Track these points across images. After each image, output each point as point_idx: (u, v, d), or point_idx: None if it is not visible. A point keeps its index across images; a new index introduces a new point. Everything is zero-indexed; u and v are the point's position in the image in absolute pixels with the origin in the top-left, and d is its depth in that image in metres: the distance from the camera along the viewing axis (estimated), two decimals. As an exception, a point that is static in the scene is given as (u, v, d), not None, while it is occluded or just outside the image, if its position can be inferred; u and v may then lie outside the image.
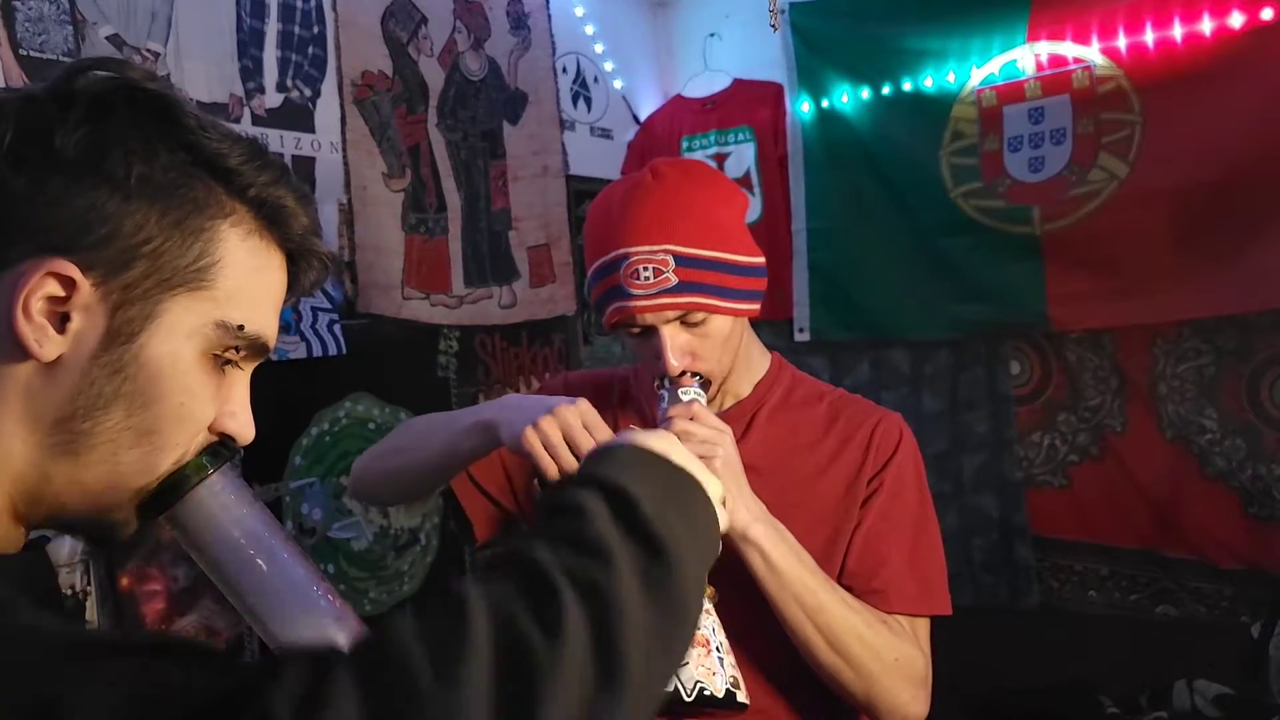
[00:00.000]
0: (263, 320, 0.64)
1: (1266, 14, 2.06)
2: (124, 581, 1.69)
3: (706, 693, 0.89)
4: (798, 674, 1.07)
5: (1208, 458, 2.32)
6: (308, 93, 2.11)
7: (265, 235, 0.64)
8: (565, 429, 0.98)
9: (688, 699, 0.89)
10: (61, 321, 0.56)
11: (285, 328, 2.00)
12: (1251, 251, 2.13)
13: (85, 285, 0.56)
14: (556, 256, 2.73)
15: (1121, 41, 2.26)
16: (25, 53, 1.62)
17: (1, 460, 0.57)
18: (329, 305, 2.10)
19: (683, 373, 1.08)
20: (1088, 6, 2.30)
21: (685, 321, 1.08)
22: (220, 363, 0.62)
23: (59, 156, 0.56)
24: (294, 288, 0.68)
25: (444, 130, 2.43)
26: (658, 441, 0.67)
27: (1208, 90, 2.16)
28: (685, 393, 1.07)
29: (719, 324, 1.09)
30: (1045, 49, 2.37)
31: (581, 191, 2.85)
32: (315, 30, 2.13)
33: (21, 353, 0.55)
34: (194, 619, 1.77)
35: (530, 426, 0.98)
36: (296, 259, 0.67)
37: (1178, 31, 2.18)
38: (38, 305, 0.55)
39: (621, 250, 1.06)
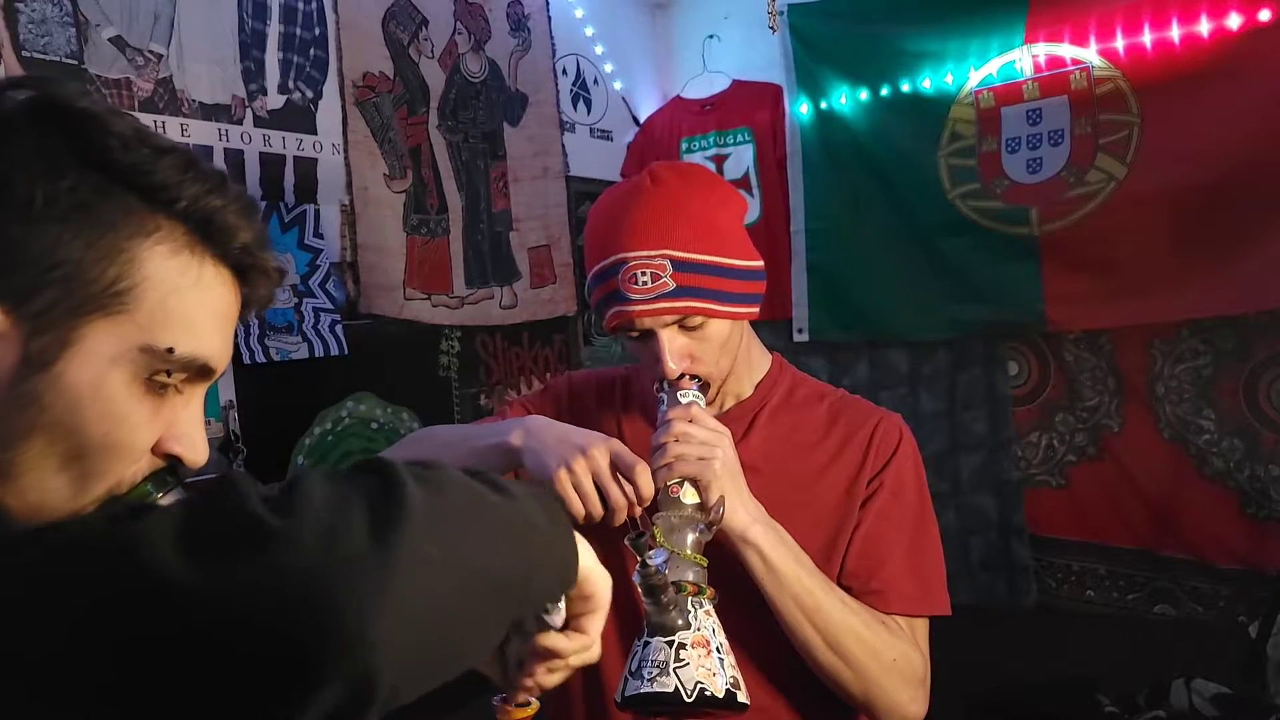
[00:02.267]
0: (198, 341, 0.60)
1: (1264, 15, 2.07)
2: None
3: (707, 693, 0.90)
4: (797, 674, 1.07)
5: (1205, 458, 2.32)
6: (309, 94, 2.12)
7: (199, 250, 0.60)
8: (596, 473, 0.99)
9: (688, 699, 0.89)
10: None
11: (288, 328, 2.01)
12: (1249, 252, 2.13)
13: None
14: (557, 257, 2.74)
15: (1119, 43, 2.26)
16: (28, 54, 1.63)
17: None
18: (331, 306, 2.11)
19: (682, 375, 1.09)
20: (1086, 8, 2.30)
21: (683, 325, 1.08)
22: (156, 387, 0.59)
23: None
24: (246, 302, 0.65)
25: (445, 131, 2.44)
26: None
27: (1205, 91, 2.17)
28: (684, 395, 1.07)
29: (717, 328, 1.10)
30: (1043, 50, 2.38)
31: (582, 193, 2.86)
32: (317, 32, 2.14)
33: None
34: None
35: (564, 468, 0.99)
36: (242, 273, 0.64)
37: (1175, 33, 2.19)
38: None
39: (619, 255, 1.07)
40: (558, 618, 0.74)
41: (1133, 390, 2.42)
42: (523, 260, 2.64)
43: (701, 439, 1.02)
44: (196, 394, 0.63)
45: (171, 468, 0.63)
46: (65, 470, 0.57)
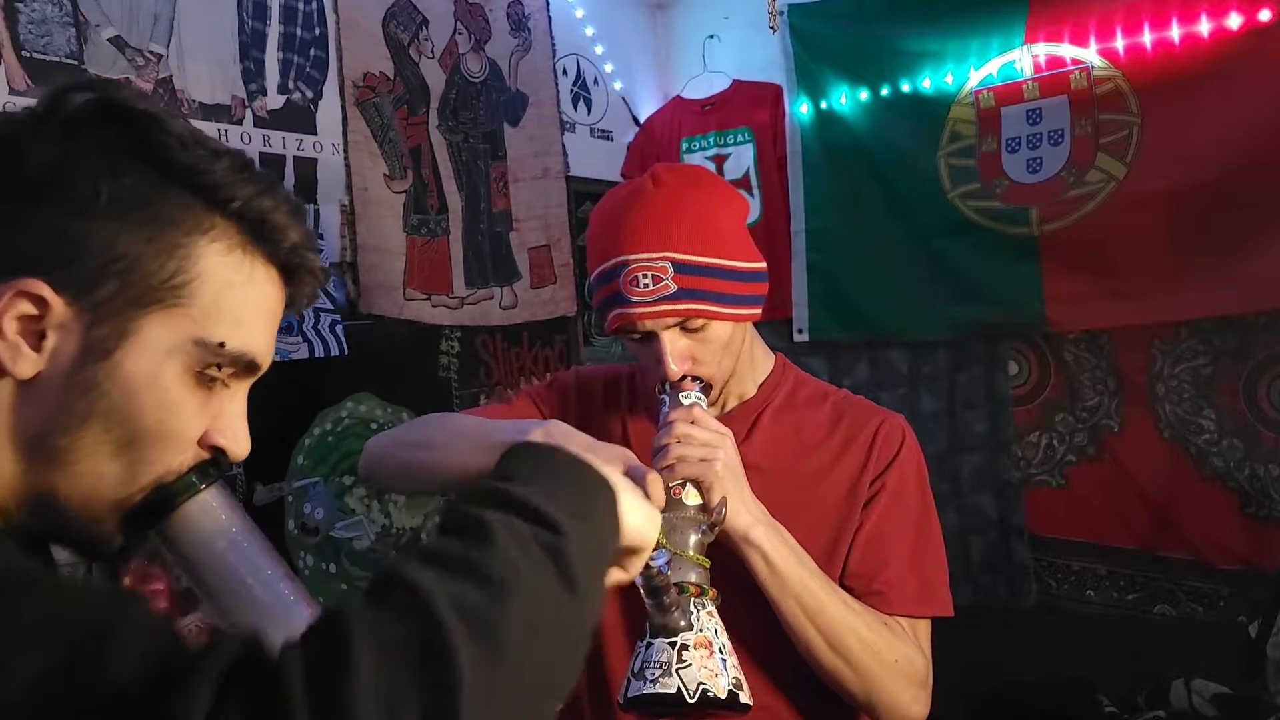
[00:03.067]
0: (247, 337, 0.62)
1: (1264, 15, 2.07)
2: (126, 581, 1.70)
3: (709, 694, 0.90)
4: (799, 674, 1.07)
5: (1205, 458, 2.32)
6: (309, 94, 2.12)
7: (250, 250, 0.63)
8: None
9: (690, 700, 0.89)
10: (38, 340, 0.57)
11: (287, 329, 2.01)
12: (1249, 252, 2.13)
13: (59, 304, 0.56)
14: (557, 257, 2.74)
15: (1119, 43, 2.26)
16: (28, 54, 1.63)
17: None
18: (331, 306, 2.11)
19: (683, 377, 1.09)
20: (1085, 8, 2.30)
21: (685, 327, 1.08)
22: (206, 380, 0.62)
23: (25, 179, 0.57)
24: (290, 302, 0.67)
25: (445, 132, 2.44)
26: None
27: (1205, 91, 2.17)
28: (686, 396, 1.08)
29: (719, 329, 1.09)
30: (1043, 50, 2.37)
31: (582, 193, 2.86)
32: (317, 32, 2.14)
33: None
34: (196, 618, 1.77)
35: None
36: (290, 272, 0.66)
37: (1175, 33, 2.19)
38: (11, 324, 0.56)
39: (621, 258, 1.07)
40: None
41: (1133, 390, 2.42)
42: (523, 260, 2.64)
43: (703, 440, 1.02)
44: (241, 389, 0.65)
45: (214, 460, 0.65)
46: (118, 458, 0.59)
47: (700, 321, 1.08)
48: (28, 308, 0.56)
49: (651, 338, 1.09)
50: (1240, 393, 2.28)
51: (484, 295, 2.51)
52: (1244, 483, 2.27)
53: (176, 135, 0.60)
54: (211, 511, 0.65)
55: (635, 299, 1.06)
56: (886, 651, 1.05)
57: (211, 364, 0.61)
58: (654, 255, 1.06)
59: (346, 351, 2.12)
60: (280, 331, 1.99)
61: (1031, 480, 2.58)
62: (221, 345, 0.61)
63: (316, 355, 2.05)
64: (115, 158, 0.58)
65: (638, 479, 0.98)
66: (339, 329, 2.11)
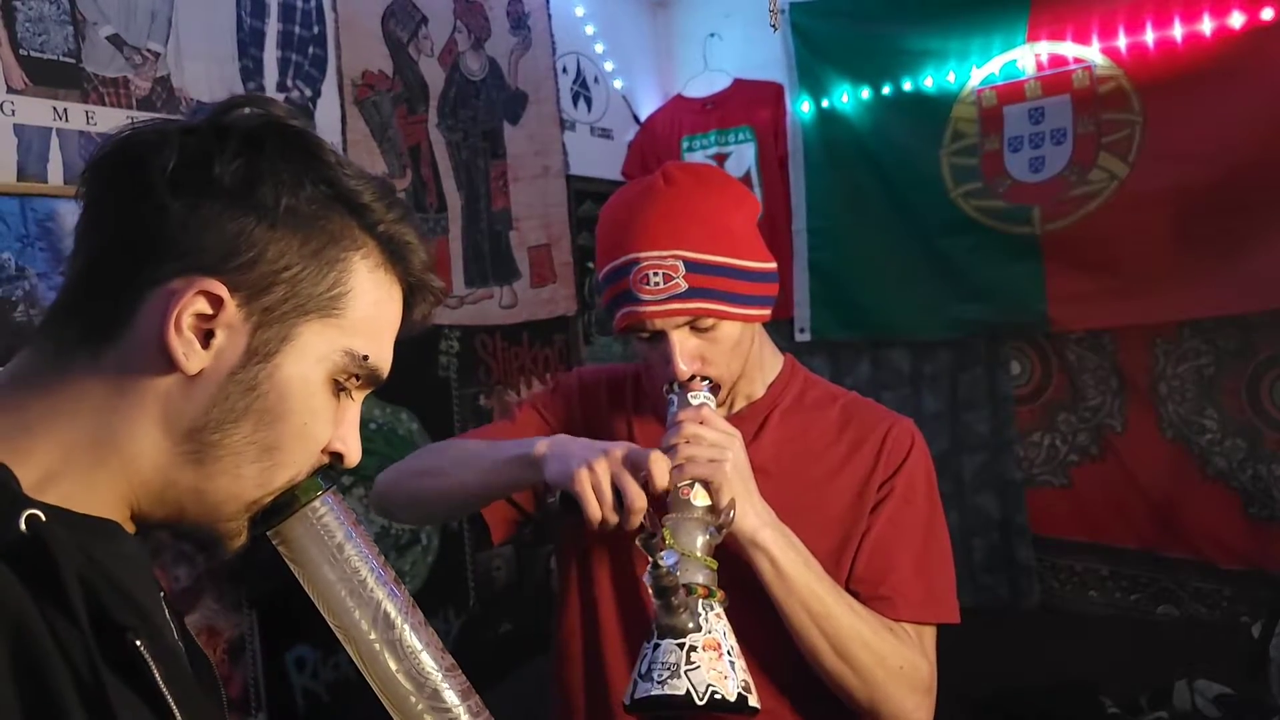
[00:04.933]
0: (382, 351, 0.67)
1: (1267, 14, 2.06)
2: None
3: (718, 696, 0.89)
4: (802, 678, 1.07)
5: (1208, 458, 2.32)
6: (308, 93, 2.11)
7: (390, 269, 0.67)
8: (616, 474, 0.98)
9: (699, 702, 0.88)
10: (206, 338, 0.59)
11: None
12: (1252, 251, 2.13)
13: (231, 305, 0.59)
14: (557, 256, 2.73)
15: (1122, 41, 2.26)
16: (25, 52, 1.62)
17: (133, 462, 0.60)
18: (329, 305, 2.10)
19: (692, 377, 1.08)
20: (1088, 6, 2.30)
21: (695, 327, 1.07)
22: (338, 389, 0.65)
23: (216, 184, 0.59)
24: (407, 321, 0.71)
25: (444, 130, 2.43)
26: None
27: (1208, 90, 2.16)
28: (695, 397, 1.07)
29: (729, 329, 1.09)
30: (1045, 49, 2.37)
31: (582, 191, 2.85)
32: (315, 30, 2.13)
33: (168, 364, 0.58)
34: (196, 618, 1.77)
35: (584, 467, 0.98)
36: (413, 292, 0.70)
37: (1178, 31, 2.18)
38: (188, 320, 0.58)
39: (632, 255, 1.06)
40: None
41: (1135, 390, 2.42)
42: (522, 260, 2.63)
43: (712, 441, 1.01)
44: (360, 400, 0.69)
45: (333, 464, 0.68)
46: (260, 460, 0.62)
47: (710, 321, 1.07)
48: (204, 306, 0.58)
49: (660, 337, 1.08)
50: (1243, 392, 2.28)
51: (483, 294, 2.50)
52: (1247, 483, 2.26)
53: (336, 157, 0.64)
54: (329, 516, 0.68)
55: (645, 297, 1.05)
56: (891, 657, 1.04)
57: (351, 374, 0.65)
58: (665, 253, 1.05)
59: (346, 351, 2.10)
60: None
61: (1034, 480, 2.57)
62: (365, 358, 0.65)
63: (315, 355, 2.04)
64: (296, 172, 0.62)
65: (639, 462, 0.98)
66: (338, 328, 2.10)
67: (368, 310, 0.65)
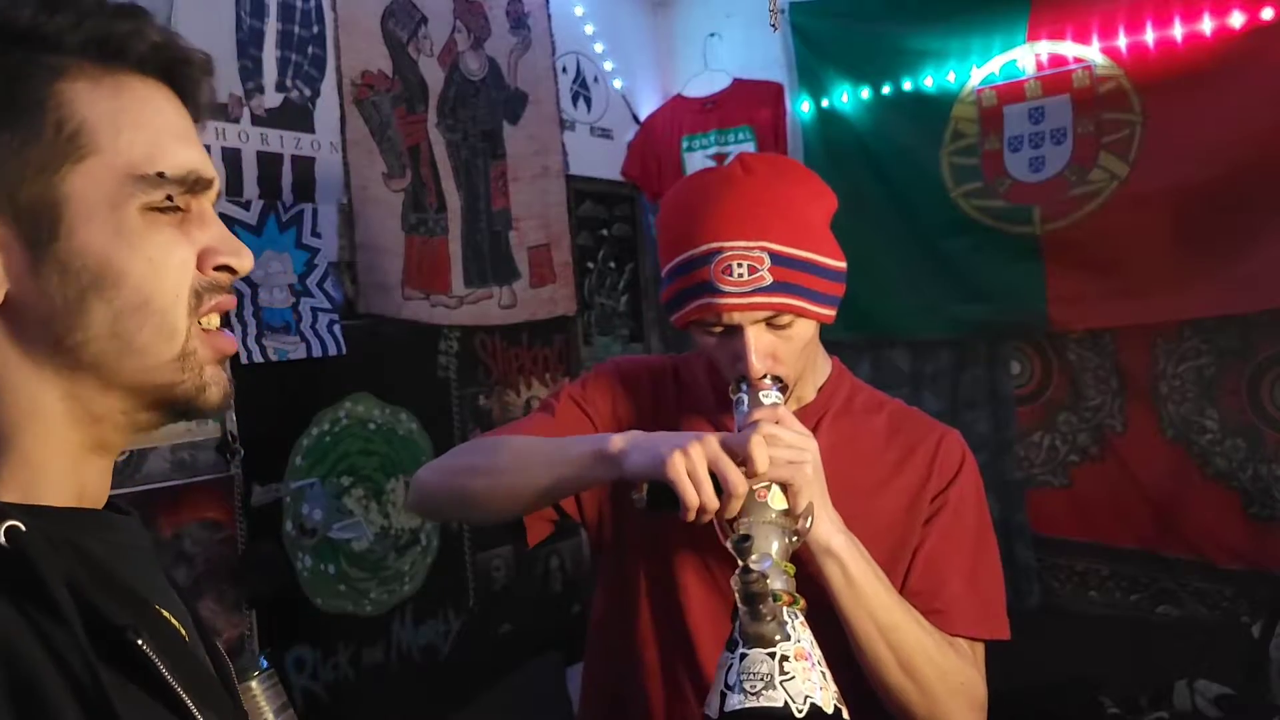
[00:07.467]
0: (172, 155, 0.59)
1: (1267, 14, 2.06)
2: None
3: (817, 707, 0.84)
4: (858, 692, 1.01)
5: (1208, 458, 2.31)
6: (307, 93, 2.11)
7: (116, 71, 0.59)
8: (713, 458, 0.91)
9: (799, 714, 0.83)
10: None
11: (285, 328, 1.99)
12: (1252, 251, 2.12)
13: None
14: (557, 256, 2.72)
15: (1122, 41, 2.25)
16: (24, 52, 1.61)
17: (41, 411, 0.57)
18: (329, 306, 2.09)
19: (762, 375, 1.03)
20: (1088, 6, 2.29)
21: (771, 323, 1.03)
22: (166, 210, 0.59)
23: None
24: (192, 105, 0.63)
25: (444, 130, 2.42)
26: None
27: (1208, 90, 2.16)
28: (766, 396, 1.02)
29: (803, 328, 1.05)
30: (1045, 49, 2.37)
31: (582, 191, 2.84)
32: (315, 30, 2.12)
33: None
34: (207, 603, 1.76)
35: (679, 452, 0.90)
36: (170, 75, 0.62)
37: (1178, 31, 2.18)
38: None
39: (715, 244, 1.01)
40: None
41: (1135, 390, 2.41)
42: (522, 260, 2.62)
43: (790, 441, 0.96)
44: (206, 209, 0.62)
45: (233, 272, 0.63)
46: (140, 322, 0.57)
47: (789, 318, 1.03)
48: None
49: (733, 331, 1.04)
50: (1243, 392, 2.27)
51: (483, 295, 2.50)
52: (1247, 483, 2.26)
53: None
54: (264, 694, 0.71)
55: (728, 289, 1.00)
56: (954, 674, 1.02)
57: (158, 192, 0.58)
58: (751, 244, 1.00)
59: (344, 351, 2.10)
60: (278, 331, 1.98)
61: (1034, 480, 2.57)
62: (161, 174, 0.58)
63: (314, 355, 2.04)
64: None
65: (738, 447, 0.91)
66: (337, 329, 2.10)
67: (118, 126, 0.57)
